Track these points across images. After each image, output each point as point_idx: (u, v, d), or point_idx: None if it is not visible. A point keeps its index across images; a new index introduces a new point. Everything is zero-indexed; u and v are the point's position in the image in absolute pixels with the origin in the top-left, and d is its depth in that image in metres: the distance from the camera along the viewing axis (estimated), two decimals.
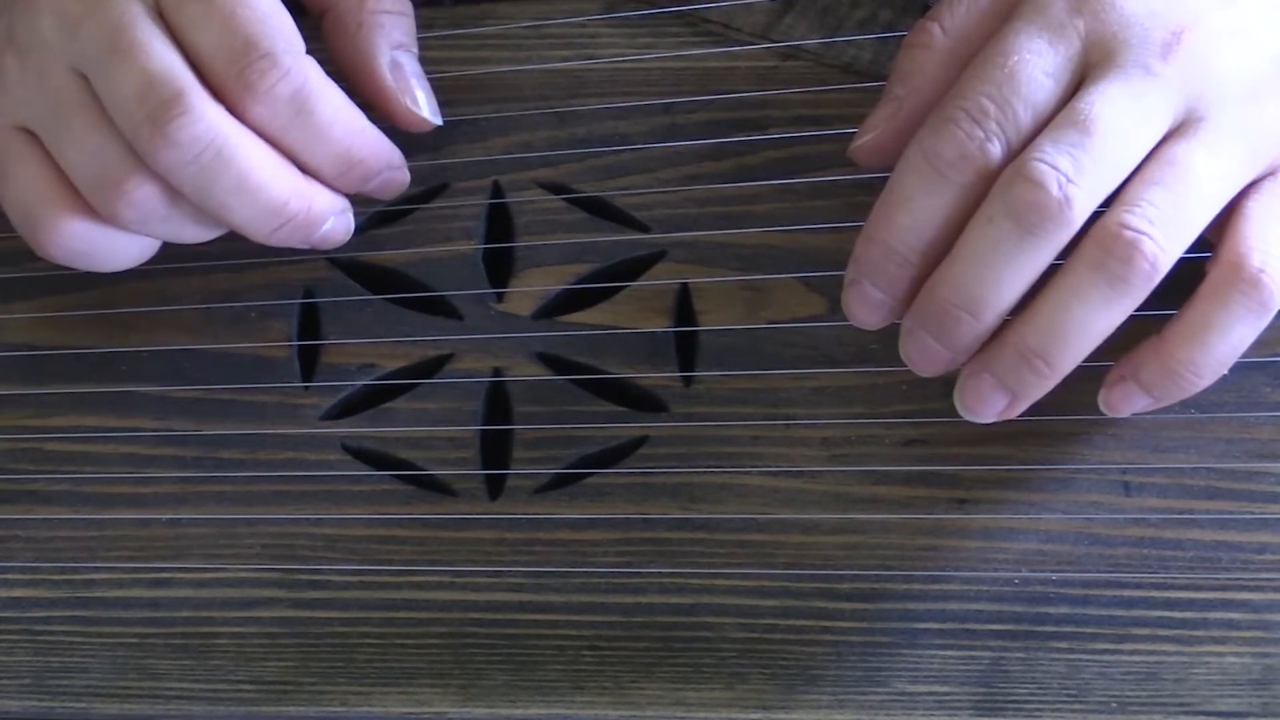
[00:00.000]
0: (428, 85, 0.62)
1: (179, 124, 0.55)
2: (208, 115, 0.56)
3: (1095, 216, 0.53)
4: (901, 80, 0.57)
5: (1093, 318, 0.53)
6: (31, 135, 0.59)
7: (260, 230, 0.58)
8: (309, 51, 0.57)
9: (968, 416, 0.56)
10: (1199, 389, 0.55)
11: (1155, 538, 0.57)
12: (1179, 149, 0.53)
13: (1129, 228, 0.52)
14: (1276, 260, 0.53)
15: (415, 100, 0.61)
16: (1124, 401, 0.56)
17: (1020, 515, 0.58)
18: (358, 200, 0.61)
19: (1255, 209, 0.54)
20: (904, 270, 0.55)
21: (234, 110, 0.56)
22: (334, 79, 0.58)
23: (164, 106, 0.55)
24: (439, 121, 0.62)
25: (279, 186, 0.57)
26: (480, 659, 0.59)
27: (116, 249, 0.59)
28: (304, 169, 0.58)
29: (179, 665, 0.60)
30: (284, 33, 0.57)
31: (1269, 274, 0.53)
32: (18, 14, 0.59)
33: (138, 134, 0.56)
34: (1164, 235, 0.52)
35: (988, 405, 0.55)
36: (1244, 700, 0.55)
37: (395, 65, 0.61)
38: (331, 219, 0.59)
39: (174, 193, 0.57)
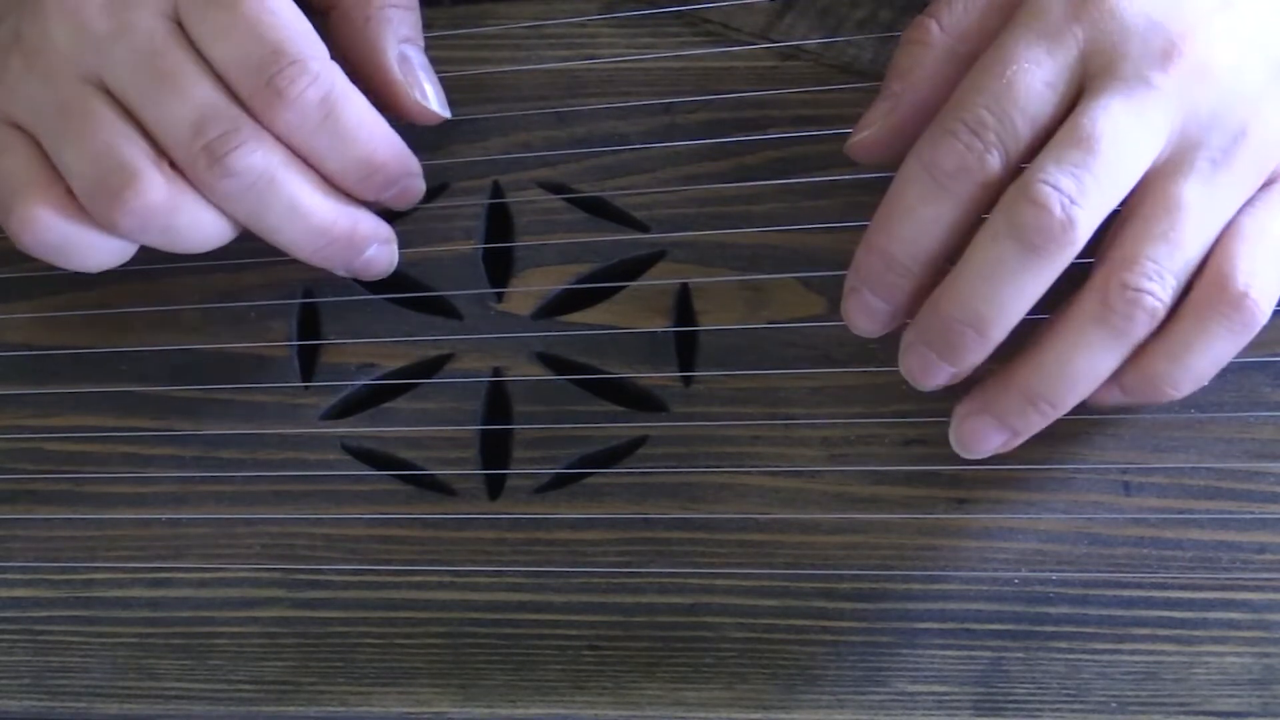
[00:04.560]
0: (435, 78, 0.62)
1: (237, 157, 0.57)
2: (261, 145, 0.57)
3: (1097, 239, 0.54)
4: (899, 77, 0.57)
5: (1096, 363, 0.54)
6: (23, 131, 0.59)
7: (305, 249, 0.59)
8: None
9: (964, 454, 0.56)
10: (1175, 399, 0.55)
11: (1155, 538, 0.57)
12: (1179, 190, 0.53)
13: (1130, 286, 0.53)
14: (1262, 281, 0.54)
15: (424, 93, 0.62)
16: (1106, 397, 0.56)
17: (1020, 515, 0.58)
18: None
19: (1248, 225, 0.54)
20: (904, 279, 0.55)
21: (261, 119, 0.57)
22: None
23: (223, 140, 0.57)
24: (447, 114, 0.62)
25: (325, 207, 0.59)
26: (480, 659, 0.59)
27: (92, 246, 0.59)
28: (327, 176, 0.59)
29: (179, 665, 0.60)
30: (309, 39, 0.57)
31: (1253, 295, 0.53)
32: (25, 17, 0.59)
33: (195, 164, 0.57)
34: (1164, 286, 0.53)
35: (987, 443, 0.56)
36: (1244, 700, 0.55)
37: (403, 59, 0.61)
38: (375, 246, 0.60)
39: (172, 206, 0.58)
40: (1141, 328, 0.53)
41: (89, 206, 0.58)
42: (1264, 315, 0.54)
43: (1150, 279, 0.53)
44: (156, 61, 0.57)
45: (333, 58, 0.59)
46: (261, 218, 0.58)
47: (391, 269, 0.61)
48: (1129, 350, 0.54)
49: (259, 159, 0.57)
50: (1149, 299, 0.53)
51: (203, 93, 0.57)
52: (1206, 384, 0.55)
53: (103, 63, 0.58)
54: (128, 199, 0.57)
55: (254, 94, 0.57)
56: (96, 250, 0.59)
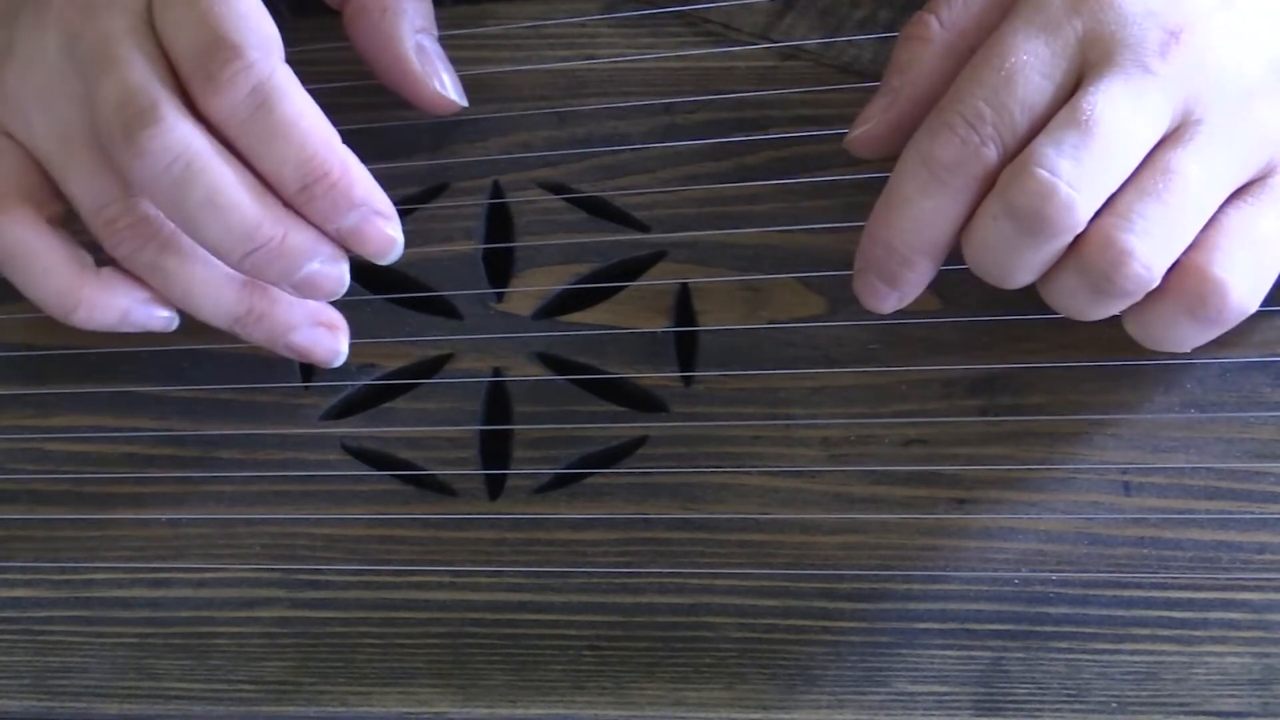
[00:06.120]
0: (450, 66, 0.63)
1: (150, 135, 0.54)
2: (179, 128, 0.55)
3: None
4: (898, 72, 0.57)
5: (1085, 313, 0.55)
6: (10, 138, 0.59)
7: (232, 252, 0.56)
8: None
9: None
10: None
11: (1155, 538, 0.57)
12: (1174, 156, 0.53)
13: (1116, 244, 0.53)
14: (1239, 275, 0.54)
15: (442, 82, 0.62)
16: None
17: (1020, 515, 0.58)
18: None
19: (1233, 219, 0.54)
20: (905, 268, 0.56)
21: (197, 105, 0.55)
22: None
23: (138, 118, 0.55)
24: (464, 103, 0.63)
25: (251, 207, 0.55)
26: (480, 659, 0.59)
27: (46, 272, 0.59)
28: (263, 176, 0.56)
29: (179, 665, 0.60)
30: (259, 31, 0.55)
31: (1230, 287, 0.54)
32: (23, 28, 0.59)
33: (113, 145, 0.55)
34: (1153, 248, 0.53)
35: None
36: (1244, 700, 0.55)
37: (420, 49, 0.62)
38: (317, 262, 0.57)
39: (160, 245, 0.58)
40: (1126, 291, 0.54)
41: (96, 238, 0.58)
42: (1235, 307, 0.54)
43: (1138, 235, 0.53)
44: (106, 50, 0.56)
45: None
46: (182, 208, 0.55)
47: (342, 291, 0.58)
48: (1116, 307, 0.55)
49: (174, 140, 0.55)
50: (1137, 260, 0.53)
51: (134, 76, 0.55)
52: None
53: (74, 66, 0.57)
54: (121, 228, 0.57)
55: (193, 82, 0.55)
56: (51, 276, 0.59)
